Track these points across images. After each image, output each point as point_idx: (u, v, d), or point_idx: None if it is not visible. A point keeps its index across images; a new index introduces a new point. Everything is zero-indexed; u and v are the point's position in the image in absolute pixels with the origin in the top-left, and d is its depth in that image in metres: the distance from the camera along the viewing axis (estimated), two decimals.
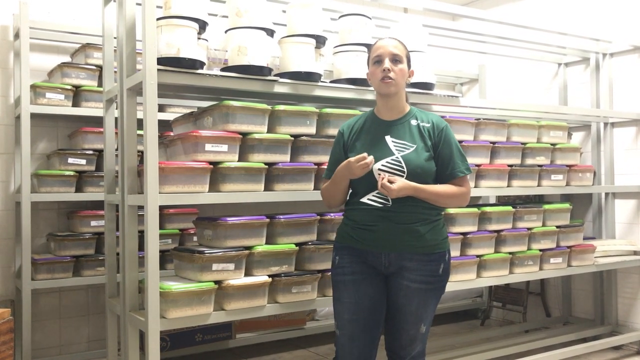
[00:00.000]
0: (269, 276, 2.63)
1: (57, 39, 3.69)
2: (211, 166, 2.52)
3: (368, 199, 2.28)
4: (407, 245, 2.24)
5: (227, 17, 2.75)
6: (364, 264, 2.30)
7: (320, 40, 2.95)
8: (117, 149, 2.83)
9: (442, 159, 2.30)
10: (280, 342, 4.07)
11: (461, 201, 2.34)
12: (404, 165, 2.24)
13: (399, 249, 2.24)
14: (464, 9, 3.56)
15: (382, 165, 2.25)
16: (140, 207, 2.44)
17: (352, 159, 2.22)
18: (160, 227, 2.95)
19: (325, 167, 2.53)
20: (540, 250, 3.53)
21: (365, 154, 2.20)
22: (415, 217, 2.24)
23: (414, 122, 2.33)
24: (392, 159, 2.25)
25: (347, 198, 2.42)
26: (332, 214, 2.90)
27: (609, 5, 4.23)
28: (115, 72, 2.88)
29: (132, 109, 2.57)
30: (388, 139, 2.30)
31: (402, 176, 2.22)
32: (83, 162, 3.49)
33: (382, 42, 2.34)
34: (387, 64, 2.28)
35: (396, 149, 2.27)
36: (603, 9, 4.26)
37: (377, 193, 2.26)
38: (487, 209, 3.39)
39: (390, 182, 2.17)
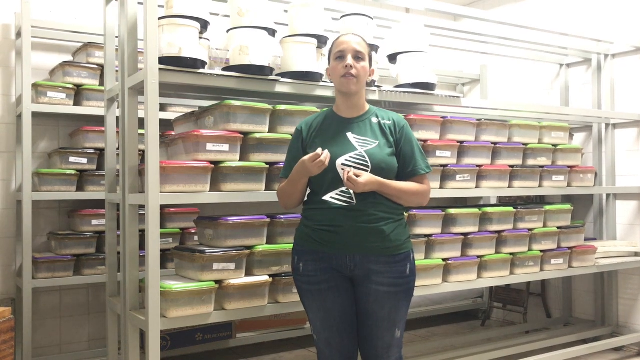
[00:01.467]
0: (270, 276, 2.63)
1: (59, 38, 3.70)
2: (212, 166, 2.52)
3: (331, 197, 2.19)
4: (373, 247, 2.17)
5: (228, 16, 2.75)
6: (329, 269, 2.21)
7: (321, 40, 2.94)
8: (118, 148, 2.83)
9: (403, 156, 2.26)
10: (281, 342, 4.08)
11: (422, 199, 2.29)
12: (367, 159, 2.18)
13: (364, 250, 2.17)
14: (465, 10, 3.56)
15: (346, 160, 2.18)
16: (141, 207, 2.45)
17: (305, 157, 2.13)
18: (161, 227, 2.96)
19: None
20: (541, 251, 3.53)
21: (319, 151, 2.11)
22: (380, 216, 2.18)
23: (374, 119, 2.29)
24: (355, 154, 2.19)
25: (305, 198, 2.35)
26: None
27: (610, 6, 4.23)
28: (116, 71, 2.88)
29: (133, 108, 2.57)
30: (349, 135, 2.24)
31: (367, 171, 2.16)
32: (84, 161, 3.49)
33: (345, 38, 2.28)
34: (349, 60, 2.22)
35: (359, 145, 2.21)
36: (605, 10, 4.26)
37: (340, 191, 2.18)
38: (488, 209, 3.38)
39: (357, 175, 2.10)
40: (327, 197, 2.20)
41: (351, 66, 2.21)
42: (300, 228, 2.34)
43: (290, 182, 2.26)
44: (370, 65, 2.33)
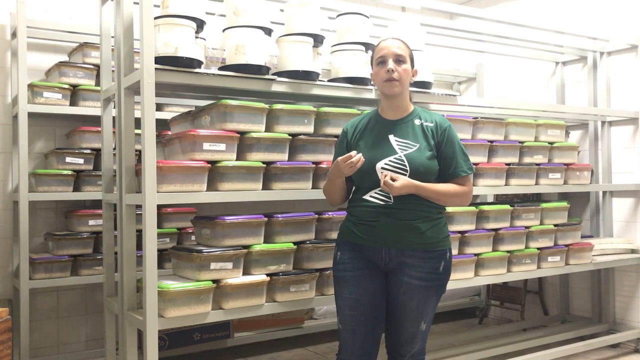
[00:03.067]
0: (267, 275, 2.64)
1: (55, 38, 3.69)
2: (209, 165, 2.52)
3: (370, 196, 2.30)
4: (408, 242, 2.25)
5: (224, 16, 2.75)
6: (365, 259, 2.31)
7: (318, 39, 2.95)
8: (114, 148, 2.83)
9: (444, 158, 2.32)
10: (279, 341, 4.08)
11: (463, 200, 2.36)
12: (406, 163, 2.26)
13: (399, 245, 2.26)
14: (461, 8, 3.56)
15: (385, 163, 2.27)
16: (138, 206, 2.45)
17: (339, 158, 2.25)
18: (158, 226, 2.96)
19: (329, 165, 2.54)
20: (538, 248, 3.54)
21: (352, 153, 2.23)
22: (416, 214, 2.26)
23: (417, 121, 2.35)
24: (395, 158, 2.27)
25: (350, 195, 2.45)
26: (330, 213, 2.90)
27: (606, 4, 4.23)
28: (112, 71, 2.87)
29: (129, 108, 2.57)
30: (391, 138, 2.32)
31: (405, 174, 2.24)
32: (81, 161, 3.49)
33: (386, 43, 2.36)
34: (390, 64, 2.29)
35: (399, 148, 2.29)
36: (600, 8, 4.27)
37: (380, 190, 2.28)
38: (485, 207, 3.39)
39: (393, 179, 2.19)
40: (367, 196, 2.31)
41: (392, 70, 2.28)
42: (344, 222, 2.44)
43: (329, 181, 2.41)
44: (412, 66, 2.38)
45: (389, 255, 2.28)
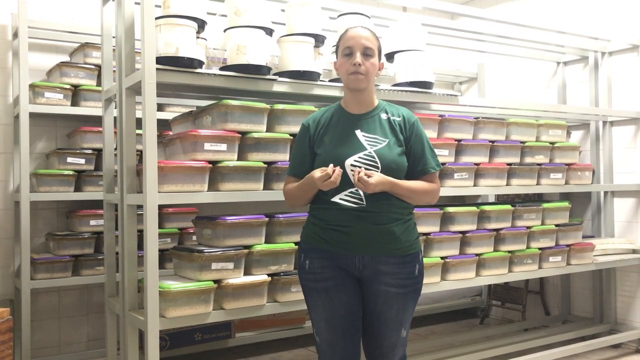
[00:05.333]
0: (268, 275, 2.64)
1: (56, 38, 3.69)
2: (210, 165, 2.52)
3: (340, 199, 2.13)
4: (383, 248, 2.13)
5: (225, 16, 2.75)
6: (336, 267, 2.17)
7: (319, 39, 2.95)
8: (116, 149, 2.83)
9: (413, 154, 2.21)
10: (280, 341, 4.07)
11: (432, 198, 2.25)
12: (377, 160, 2.12)
13: (373, 252, 2.13)
14: (463, 8, 3.56)
15: (355, 160, 2.12)
16: (140, 207, 2.45)
17: (316, 175, 2.07)
18: (160, 227, 2.95)
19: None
20: (540, 248, 3.54)
21: (329, 169, 2.05)
22: (390, 216, 2.13)
23: (384, 115, 2.22)
24: (365, 154, 2.13)
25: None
26: None
27: (607, 4, 4.23)
28: (114, 71, 2.87)
29: (131, 108, 2.57)
30: (358, 133, 2.17)
31: (377, 172, 2.11)
32: (82, 161, 3.49)
33: (353, 32, 2.19)
34: (358, 58, 2.14)
35: (368, 144, 2.15)
36: (602, 8, 4.26)
37: (350, 192, 2.12)
38: (487, 207, 3.39)
39: (367, 176, 2.04)
40: (336, 199, 2.14)
41: (359, 64, 2.14)
42: (307, 226, 2.27)
43: (300, 190, 2.21)
44: (380, 59, 2.24)
45: (362, 263, 2.14)
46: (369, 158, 2.13)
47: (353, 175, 2.07)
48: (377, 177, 2.06)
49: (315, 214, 2.24)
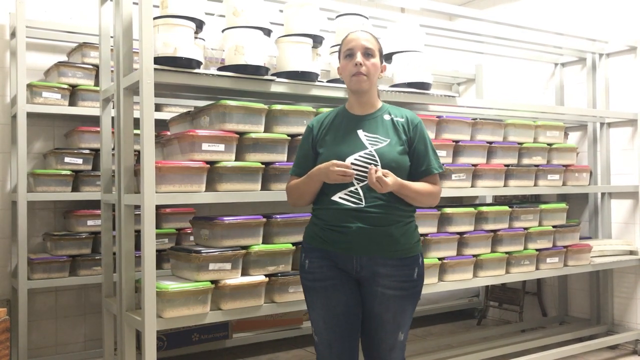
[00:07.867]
0: (266, 276, 2.63)
1: (54, 38, 3.69)
2: (208, 166, 2.52)
3: (340, 198, 2.14)
4: (381, 250, 2.12)
5: (224, 16, 2.75)
6: (335, 268, 2.18)
7: (317, 40, 2.95)
8: (113, 149, 2.83)
9: (416, 155, 2.21)
10: (277, 342, 4.07)
11: (435, 200, 2.25)
12: (377, 159, 2.13)
13: (371, 253, 2.13)
14: (461, 9, 3.57)
15: (355, 159, 2.13)
16: (137, 207, 2.44)
17: (336, 162, 2.09)
18: (157, 227, 2.96)
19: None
20: (537, 250, 3.54)
21: (351, 166, 2.09)
22: (390, 218, 2.13)
23: (387, 116, 2.24)
24: (365, 153, 2.14)
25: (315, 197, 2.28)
26: None
27: (605, 6, 4.24)
28: (112, 71, 2.87)
29: (128, 109, 2.57)
30: (360, 132, 2.19)
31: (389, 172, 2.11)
32: (79, 161, 3.48)
33: (354, 35, 2.23)
34: (359, 58, 2.17)
35: (369, 143, 2.17)
36: (599, 9, 4.27)
37: (349, 191, 2.13)
38: (484, 208, 3.39)
39: (385, 175, 2.05)
40: (335, 198, 2.15)
41: (361, 64, 2.17)
42: (309, 226, 2.30)
43: (306, 183, 2.21)
44: (381, 61, 2.27)
45: (360, 264, 2.14)
46: (369, 156, 2.14)
47: (369, 173, 2.06)
48: (392, 178, 2.07)
49: (316, 214, 2.27)
